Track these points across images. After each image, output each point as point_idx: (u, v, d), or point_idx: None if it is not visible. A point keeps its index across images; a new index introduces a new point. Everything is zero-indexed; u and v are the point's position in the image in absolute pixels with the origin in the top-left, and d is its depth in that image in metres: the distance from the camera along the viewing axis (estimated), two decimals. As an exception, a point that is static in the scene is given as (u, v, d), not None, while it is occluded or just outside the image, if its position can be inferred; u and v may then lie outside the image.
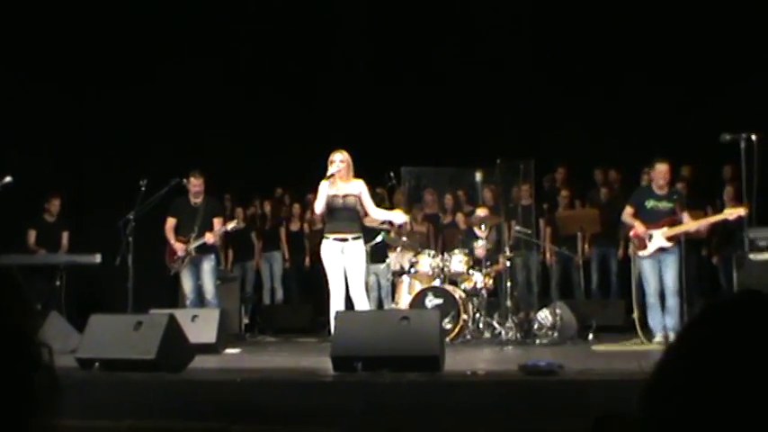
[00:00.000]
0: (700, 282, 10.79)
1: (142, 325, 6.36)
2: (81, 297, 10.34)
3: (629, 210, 9.00)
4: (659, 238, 8.67)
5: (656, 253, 8.68)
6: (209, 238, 9.47)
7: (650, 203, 8.87)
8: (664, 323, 8.61)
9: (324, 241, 8.08)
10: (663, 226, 8.69)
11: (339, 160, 7.99)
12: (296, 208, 12.97)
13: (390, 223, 9.70)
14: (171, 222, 9.69)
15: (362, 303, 7.90)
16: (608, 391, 5.06)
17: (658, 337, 8.60)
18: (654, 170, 8.97)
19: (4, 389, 1.01)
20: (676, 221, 8.74)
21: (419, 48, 13.11)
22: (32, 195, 10.40)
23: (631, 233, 8.96)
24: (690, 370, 0.95)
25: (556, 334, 9.28)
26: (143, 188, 9.18)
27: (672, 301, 8.60)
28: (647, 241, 8.72)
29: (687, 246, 9.06)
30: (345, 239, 7.95)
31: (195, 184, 9.66)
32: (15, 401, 1.02)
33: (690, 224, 8.76)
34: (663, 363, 0.99)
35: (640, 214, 8.86)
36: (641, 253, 8.77)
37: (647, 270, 8.76)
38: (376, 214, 8.27)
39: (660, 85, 11.95)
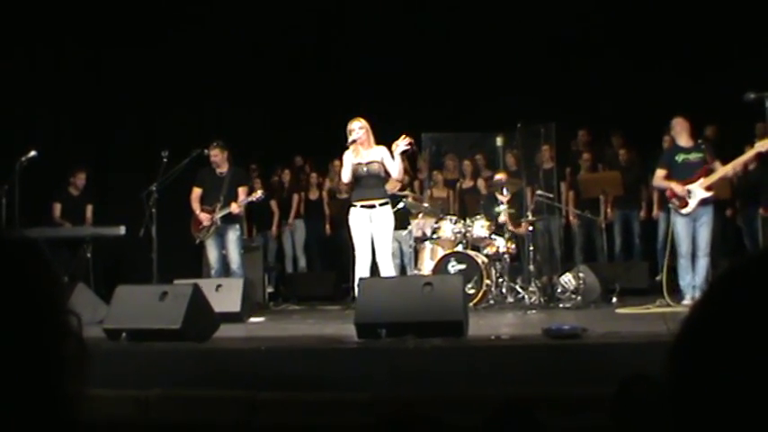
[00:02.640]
0: (724, 242, 10.70)
1: (167, 295, 6.40)
2: (106, 269, 10.41)
3: (660, 172, 8.83)
4: (699, 190, 8.53)
5: (697, 208, 8.55)
6: (233, 208, 9.47)
7: (680, 157, 8.73)
8: (693, 284, 8.55)
9: (351, 209, 8.08)
10: (699, 178, 8.56)
11: (358, 127, 7.98)
12: (313, 177, 12.97)
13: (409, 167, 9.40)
14: (196, 192, 9.68)
15: (388, 270, 7.91)
16: (632, 353, 5.06)
17: (687, 299, 8.54)
18: (673, 127, 8.88)
19: (34, 357, 1.02)
20: (710, 171, 8.61)
21: (438, 11, 13.00)
22: (56, 169, 10.45)
23: (667, 194, 8.83)
24: (716, 329, 0.94)
25: (579, 297, 9.26)
26: (165, 159, 9.17)
27: (702, 262, 8.52)
28: (687, 198, 8.57)
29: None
30: (373, 206, 7.96)
31: (212, 155, 9.63)
32: (45, 369, 1.03)
33: (725, 168, 8.57)
34: (688, 322, 0.98)
35: (673, 172, 8.71)
36: (684, 211, 8.60)
37: (681, 230, 8.64)
38: (395, 171, 8.05)
39: (681, 44, 11.81)
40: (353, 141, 7.94)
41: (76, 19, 11.44)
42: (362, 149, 7.98)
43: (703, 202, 8.53)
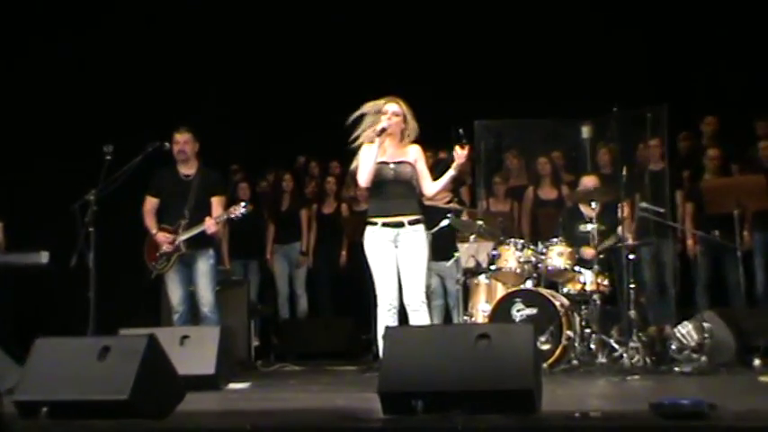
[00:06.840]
0: None
1: (110, 351, 6.36)
2: (21, 313, 10.43)
3: None
4: None
5: None
6: (207, 225, 9.43)
7: None
8: None
9: (368, 228, 7.90)
10: None
11: (393, 112, 7.81)
12: (330, 183, 12.99)
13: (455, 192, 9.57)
14: (151, 203, 9.70)
15: (422, 316, 7.80)
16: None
17: None
18: None
19: None
20: None
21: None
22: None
23: None
24: None
25: (704, 358, 9.20)
26: (108, 157, 9.13)
27: None
28: None
29: None
30: (400, 224, 7.79)
31: (179, 140, 9.61)
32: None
33: None
34: None
35: None
36: None
37: None
38: (433, 189, 7.99)
39: None
40: (383, 130, 7.71)
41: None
42: (390, 144, 7.87)
43: None
